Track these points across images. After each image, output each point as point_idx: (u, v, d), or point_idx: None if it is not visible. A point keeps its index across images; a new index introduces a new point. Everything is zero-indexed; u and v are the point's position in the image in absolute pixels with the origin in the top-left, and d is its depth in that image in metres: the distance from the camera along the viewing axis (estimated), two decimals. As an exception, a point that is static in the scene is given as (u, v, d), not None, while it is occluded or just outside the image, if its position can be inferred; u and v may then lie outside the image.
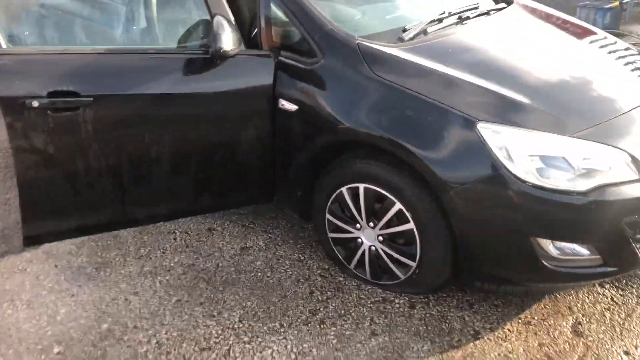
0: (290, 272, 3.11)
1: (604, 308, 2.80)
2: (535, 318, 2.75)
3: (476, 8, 3.39)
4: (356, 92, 2.77)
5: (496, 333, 2.66)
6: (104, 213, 2.86)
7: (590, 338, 2.62)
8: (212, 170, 2.97)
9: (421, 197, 2.62)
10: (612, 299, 2.86)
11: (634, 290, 2.91)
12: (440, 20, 3.14)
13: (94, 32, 2.98)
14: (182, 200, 3.02)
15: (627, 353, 2.53)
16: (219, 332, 2.69)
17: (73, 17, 2.95)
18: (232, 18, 2.84)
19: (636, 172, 2.46)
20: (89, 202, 2.78)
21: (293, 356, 2.55)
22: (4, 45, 2.52)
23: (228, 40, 2.68)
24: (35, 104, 2.47)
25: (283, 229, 3.51)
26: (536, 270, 2.54)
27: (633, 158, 2.47)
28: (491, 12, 3.44)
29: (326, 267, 3.15)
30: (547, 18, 3.69)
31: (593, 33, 3.55)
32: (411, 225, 2.68)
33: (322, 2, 3.22)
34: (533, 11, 3.71)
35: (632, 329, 2.67)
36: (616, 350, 2.54)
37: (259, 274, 3.10)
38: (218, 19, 2.71)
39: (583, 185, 2.39)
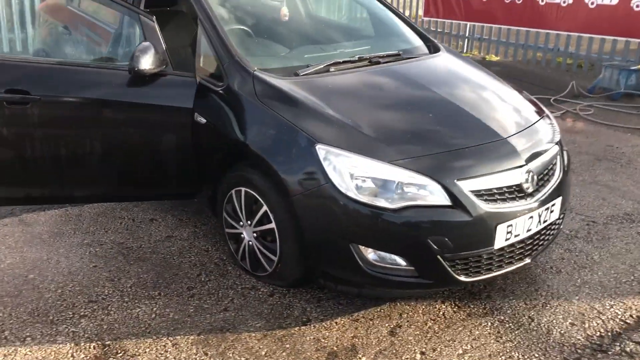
0: (193, 259, 3.75)
1: (430, 318, 3.16)
2: (364, 317, 3.17)
3: (397, 55, 3.95)
4: (245, 112, 3.41)
5: (324, 323, 3.12)
6: (46, 188, 3.67)
7: (399, 338, 3.00)
8: (136, 166, 3.70)
9: (279, 201, 3.18)
10: (443, 313, 3.22)
11: (468, 309, 3.25)
12: (344, 62, 3.71)
13: (58, 46, 3.88)
14: (109, 186, 3.77)
15: (422, 353, 2.90)
16: (110, 292, 3.38)
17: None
18: (162, 45, 3.58)
19: (447, 199, 2.88)
20: (35, 178, 3.60)
21: (153, 316, 3.17)
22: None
23: (147, 62, 3.41)
24: None
25: (210, 226, 4.16)
26: (358, 273, 3.01)
27: (445, 187, 2.89)
28: (405, 60, 3.94)
29: (224, 258, 3.75)
30: (453, 68, 4.06)
31: (481, 82, 3.91)
32: (273, 225, 3.24)
33: (256, 39, 3.95)
34: (447, 60, 4.12)
35: (442, 337, 3.01)
36: (415, 350, 2.91)
37: (168, 256, 3.77)
38: (143, 44, 3.45)
39: (395, 204, 2.86)
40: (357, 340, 2.99)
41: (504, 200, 2.95)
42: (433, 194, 2.87)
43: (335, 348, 2.93)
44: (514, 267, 3.14)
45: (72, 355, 2.87)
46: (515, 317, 3.15)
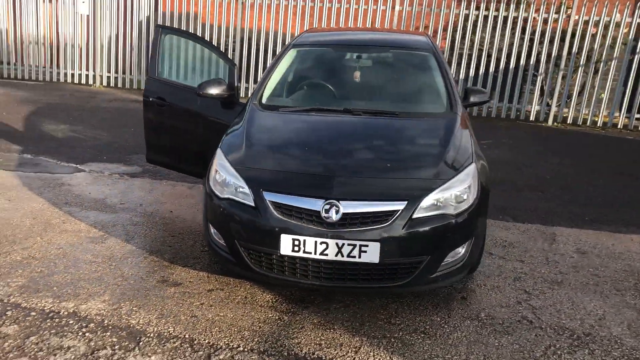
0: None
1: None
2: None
3: (391, 113, 4.22)
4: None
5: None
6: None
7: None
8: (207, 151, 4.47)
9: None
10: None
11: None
12: (327, 109, 4.31)
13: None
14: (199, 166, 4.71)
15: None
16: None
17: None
18: (233, 81, 4.74)
19: (252, 202, 3.39)
20: (172, 150, 4.95)
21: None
22: None
23: (211, 89, 4.50)
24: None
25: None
26: (210, 245, 3.42)
27: (254, 192, 3.40)
28: (385, 116, 4.19)
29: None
30: (408, 127, 4.17)
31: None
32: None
33: (304, 86, 4.81)
34: (422, 123, 4.21)
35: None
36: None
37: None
38: (210, 80, 4.62)
39: (223, 194, 3.52)
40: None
41: (299, 218, 3.26)
42: (246, 195, 3.42)
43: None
44: (309, 283, 3.36)
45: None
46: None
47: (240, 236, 3.42)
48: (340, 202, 3.25)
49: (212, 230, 3.60)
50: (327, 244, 3.21)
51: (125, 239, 4.33)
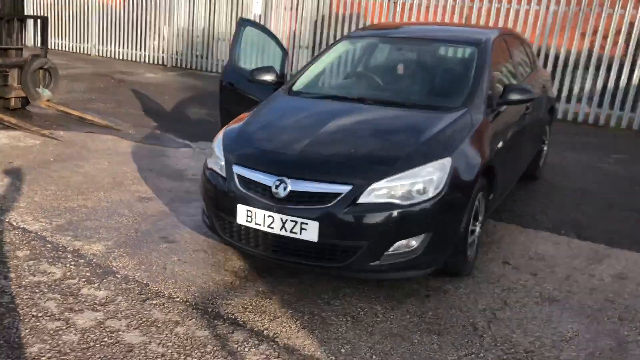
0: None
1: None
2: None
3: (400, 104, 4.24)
4: None
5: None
6: None
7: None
8: None
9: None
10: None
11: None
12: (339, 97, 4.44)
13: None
14: None
15: (290, 316, 3.03)
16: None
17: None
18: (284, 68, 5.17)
19: (224, 173, 3.69)
20: None
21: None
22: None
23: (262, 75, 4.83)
24: None
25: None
26: None
27: (227, 165, 3.70)
28: (394, 107, 4.20)
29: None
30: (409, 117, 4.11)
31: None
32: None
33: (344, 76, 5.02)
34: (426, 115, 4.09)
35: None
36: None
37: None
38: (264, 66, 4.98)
39: (208, 164, 3.90)
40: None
41: (255, 191, 3.47)
42: (222, 167, 3.71)
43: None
44: (259, 253, 3.56)
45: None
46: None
47: (213, 203, 3.74)
48: (290, 179, 3.39)
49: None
50: (273, 217, 3.37)
51: (167, 202, 4.90)
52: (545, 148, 6.22)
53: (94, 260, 3.76)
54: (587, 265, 4.15)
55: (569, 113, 9.83)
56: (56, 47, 15.93)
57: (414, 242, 3.37)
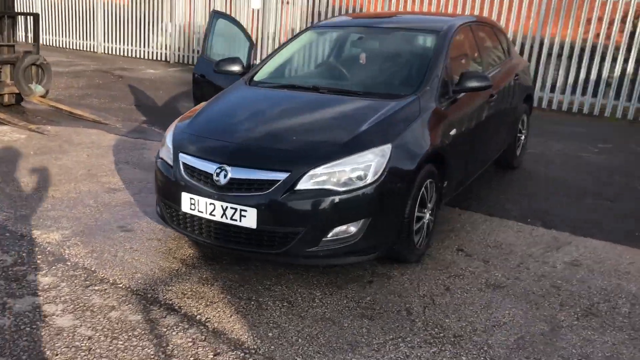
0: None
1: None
2: (210, 264, 3.44)
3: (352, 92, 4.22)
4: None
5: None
6: None
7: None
8: None
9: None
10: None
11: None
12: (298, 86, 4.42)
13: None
14: None
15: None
16: (58, 213, 4.16)
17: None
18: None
19: (171, 161, 3.76)
20: None
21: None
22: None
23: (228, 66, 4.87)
24: None
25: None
26: None
27: (174, 154, 3.75)
28: (344, 96, 4.18)
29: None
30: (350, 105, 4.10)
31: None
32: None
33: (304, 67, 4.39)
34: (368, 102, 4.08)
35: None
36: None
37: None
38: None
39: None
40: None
41: (198, 179, 3.52)
42: (170, 155, 3.78)
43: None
44: (202, 240, 3.59)
45: None
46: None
47: (161, 191, 3.80)
48: (230, 167, 3.42)
49: None
50: (214, 205, 3.42)
51: (134, 192, 4.97)
52: (522, 137, 6.17)
53: (48, 249, 3.84)
54: (543, 253, 4.12)
55: (564, 103, 9.72)
56: (63, 45, 16.18)
57: (352, 228, 3.38)
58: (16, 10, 11.44)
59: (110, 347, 2.81)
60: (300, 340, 2.95)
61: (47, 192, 4.86)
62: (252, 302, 3.29)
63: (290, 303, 3.30)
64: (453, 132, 4.09)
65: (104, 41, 15.42)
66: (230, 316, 3.14)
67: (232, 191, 3.39)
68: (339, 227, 3.36)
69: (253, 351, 2.83)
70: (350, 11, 11.69)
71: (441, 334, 3.05)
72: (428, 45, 4.51)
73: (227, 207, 3.38)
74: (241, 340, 2.92)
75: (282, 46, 5.00)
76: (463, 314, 3.25)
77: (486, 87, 4.30)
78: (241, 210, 3.34)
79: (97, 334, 2.91)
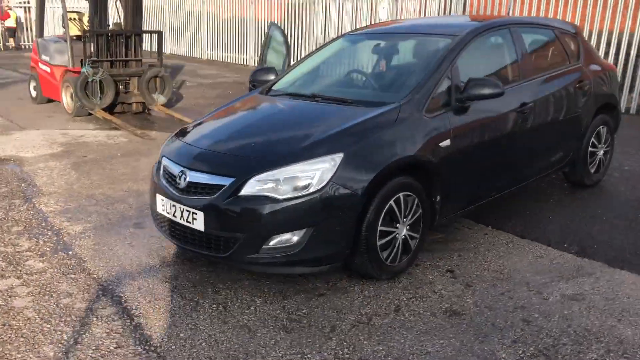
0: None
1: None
2: (164, 263, 3.61)
3: (345, 100, 4.08)
4: None
5: (137, 258, 3.70)
6: None
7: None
8: None
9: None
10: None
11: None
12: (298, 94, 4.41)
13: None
14: None
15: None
16: (84, 208, 4.64)
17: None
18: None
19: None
20: None
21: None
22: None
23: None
24: None
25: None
26: None
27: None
28: (337, 104, 4.06)
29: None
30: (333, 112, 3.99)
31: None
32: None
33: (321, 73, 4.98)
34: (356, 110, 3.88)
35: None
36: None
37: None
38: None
39: None
40: (132, 274, 3.50)
41: (167, 182, 3.70)
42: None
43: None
44: (170, 240, 3.74)
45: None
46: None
47: (150, 192, 4.06)
48: (189, 171, 3.57)
49: None
50: (175, 207, 3.59)
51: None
52: (600, 152, 5.43)
53: (63, 239, 4.30)
54: (546, 282, 3.65)
55: None
56: (224, 59, 17.65)
57: (295, 238, 3.32)
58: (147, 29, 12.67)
59: (36, 329, 3.09)
60: (203, 344, 2.97)
61: (102, 190, 5.42)
62: (191, 303, 3.38)
63: (224, 307, 3.33)
64: (445, 143, 3.78)
65: (255, 55, 16.51)
66: (161, 314, 3.26)
67: (189, 194, 3.52)
68: (281, 235, 3.32)
69: (152, 348, 2.93)
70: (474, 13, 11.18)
71: (347, 355, 2.86)
72: (436, 52, 4.22)
73: (183, 210, 3.51)
74: (150, 337, 3.03)
75: (308, 55, 5.01)
76: (389, 338, 3.02)
77: (497, 95, 3.91)
78: (193, 212, 3.46)
79: (37, 317, 3.21)
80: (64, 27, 9.37)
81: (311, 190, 3.28)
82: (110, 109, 8.93)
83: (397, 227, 3.61)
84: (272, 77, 4.91)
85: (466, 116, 3.96)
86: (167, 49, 20.04)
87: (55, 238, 4.31)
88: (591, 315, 3.25)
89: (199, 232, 3.46)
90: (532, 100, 4.43)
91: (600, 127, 5.35)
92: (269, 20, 15.79)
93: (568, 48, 5.12)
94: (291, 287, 3.56)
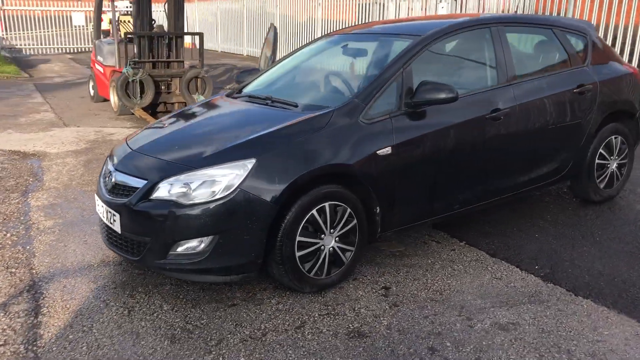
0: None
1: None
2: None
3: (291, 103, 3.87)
4: None
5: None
6: None
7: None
8: None
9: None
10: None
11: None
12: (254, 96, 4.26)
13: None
14: None
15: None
16: (58, 204, 4.78)
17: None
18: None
19: None
20: None
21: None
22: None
23: None
24: None
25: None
26: None
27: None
28: (276, 107, 3.91)
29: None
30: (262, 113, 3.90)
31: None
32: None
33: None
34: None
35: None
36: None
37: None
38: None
39: None
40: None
41: (103, 182, 3.67)
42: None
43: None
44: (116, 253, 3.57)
45: None
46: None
47: None
48: (116, 172, 3.56)
49: None
50: (104, 207, 3.59)
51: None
52: (613, 166, 4.87)
53: (30, 233, 4.44)
54: (485, 307, 3.31)
55: None
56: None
57: (202, 245, 3.21)
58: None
59: (-57, 320, 3.20)
60: (84, 348, 2.93)
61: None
62: (101, 305, 3.35)
63: (129, 312, 3.28)
64: (385, 151, 3.52)
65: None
66: (66, 314, 3.25)
67: (113, 195, 3.51)
68: (187, 242, 3.22)
69: (34, 349, 2.92)
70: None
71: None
72: (392, 54, 3.94)
73: (107, 210, 3.51)
74: (41, 337, 3.02)
75: (285, 57, 4.87)
76: (269, 356, 2.83)
77: (450, 100, 3.60)
78: (112, 214, 3.45)
79: (-48, 308, 3.33)
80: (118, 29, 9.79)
81: (217, 196, 3.15)
82: (153, 109, 9.22)
83: (322, 239, 3.40)
84: (252, 78, 4.82)
85: (417, 122, 3.68)
86: (244, 50, 20.56)
87: (23, 232, 4.45)
88: (511, 349, 2.90)
89: (117, 233, 3.44)
90: (508, 107, 4.04)
91: (612, 137, 4.80)
92: (336, 20, 15.75)
93: (570, 49, 4.63)
94: (207, 296, 3.45)
